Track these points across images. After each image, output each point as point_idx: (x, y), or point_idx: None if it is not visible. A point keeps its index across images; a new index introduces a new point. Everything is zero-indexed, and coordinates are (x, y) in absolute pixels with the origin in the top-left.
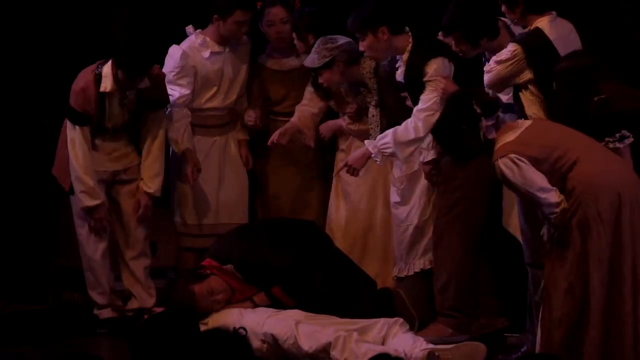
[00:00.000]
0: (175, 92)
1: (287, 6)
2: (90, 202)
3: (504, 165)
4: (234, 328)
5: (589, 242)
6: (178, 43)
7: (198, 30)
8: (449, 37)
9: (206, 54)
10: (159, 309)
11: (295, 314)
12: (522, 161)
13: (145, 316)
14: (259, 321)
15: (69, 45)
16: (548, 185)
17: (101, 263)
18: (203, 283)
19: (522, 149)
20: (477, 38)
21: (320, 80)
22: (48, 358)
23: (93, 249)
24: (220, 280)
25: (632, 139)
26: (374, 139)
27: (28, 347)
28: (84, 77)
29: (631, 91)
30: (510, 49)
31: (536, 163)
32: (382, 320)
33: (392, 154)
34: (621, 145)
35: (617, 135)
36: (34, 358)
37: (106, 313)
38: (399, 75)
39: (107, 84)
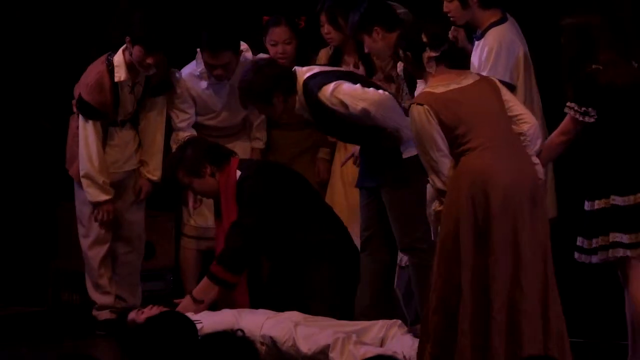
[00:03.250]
0: (178, 115)
1: (292, 26)
2: (101, 198)
3: (417, 112)
4: (232, 330)
5: (461, 239)
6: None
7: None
8: None
9: (204, 84)
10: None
11: (293, 315)
12: (433, 118)
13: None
14: (257, 323)
15: (69, 47)
16: (447, 152)
17: (103, 265)
18: None
19: (438, 107)
20: None
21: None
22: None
23: (96, 252)
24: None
25: (592, 120)
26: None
27: (26, 349)
28: (96, 69)
29: (625, 66)
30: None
31: (442, 126)
32: (380, 322)
33: None
34: (580, 118)
35: (583, 108)
36: None
37: (105, 314)
38: (399, 70)
39: (121, 73)
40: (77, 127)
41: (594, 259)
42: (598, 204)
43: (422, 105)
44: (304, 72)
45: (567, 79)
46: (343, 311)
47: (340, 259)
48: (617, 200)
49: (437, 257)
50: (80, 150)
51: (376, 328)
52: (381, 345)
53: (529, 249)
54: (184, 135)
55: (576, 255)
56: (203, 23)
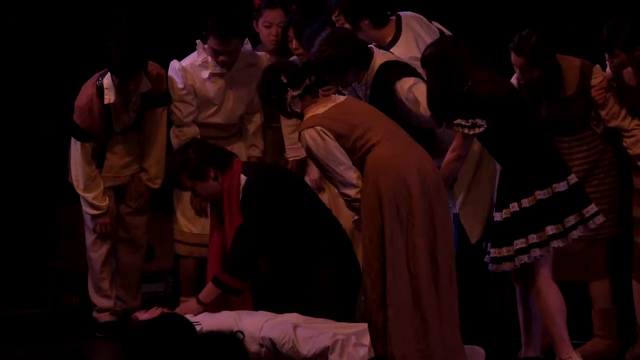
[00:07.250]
0: (181, 109)
1: (286, 10)
2: (93, 212)
3: (309, 136)
4: (232, 331)
5: (385, 230)
6: (175, 43)
7: (204, 46)
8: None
9: (205, 74)
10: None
11: (293, 317)
12: (327, 135)
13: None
14: (256, 325)
15: (70, 51)
16: (350, 164)
17: (104, 267)
18: None
19: (328, 123)
20: (356, 17)
21: None
22: None
23: (99, 254)
24: None
25: (482, 130)
26: None
27: (26, 351)
28: (86, 92)
29: (493, 77)
30: None
31: (339, 139)
32: None
33: None
34: (470, 132)
35: (470, 121)
36: None
37: (105, 317)
38: None
39: (110, 96)
40: None
41: (506, 266)
42: (514, 207)
43: (312, 127)
44: (380, 55)
45: (433, 108)
46: (343, 313)
47: (340, 261)
48: (541, 194)
49: (365, 257)
50: (71, 166)
51: None
52: None
53: (442, 230)
54: (188, 131)
55: (492, 267)
56: (204, 13)
